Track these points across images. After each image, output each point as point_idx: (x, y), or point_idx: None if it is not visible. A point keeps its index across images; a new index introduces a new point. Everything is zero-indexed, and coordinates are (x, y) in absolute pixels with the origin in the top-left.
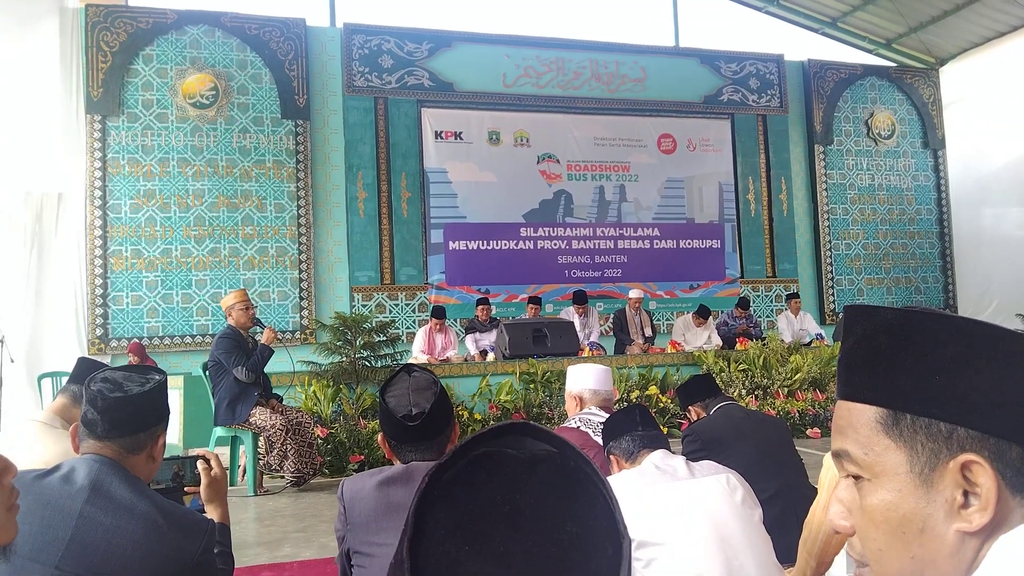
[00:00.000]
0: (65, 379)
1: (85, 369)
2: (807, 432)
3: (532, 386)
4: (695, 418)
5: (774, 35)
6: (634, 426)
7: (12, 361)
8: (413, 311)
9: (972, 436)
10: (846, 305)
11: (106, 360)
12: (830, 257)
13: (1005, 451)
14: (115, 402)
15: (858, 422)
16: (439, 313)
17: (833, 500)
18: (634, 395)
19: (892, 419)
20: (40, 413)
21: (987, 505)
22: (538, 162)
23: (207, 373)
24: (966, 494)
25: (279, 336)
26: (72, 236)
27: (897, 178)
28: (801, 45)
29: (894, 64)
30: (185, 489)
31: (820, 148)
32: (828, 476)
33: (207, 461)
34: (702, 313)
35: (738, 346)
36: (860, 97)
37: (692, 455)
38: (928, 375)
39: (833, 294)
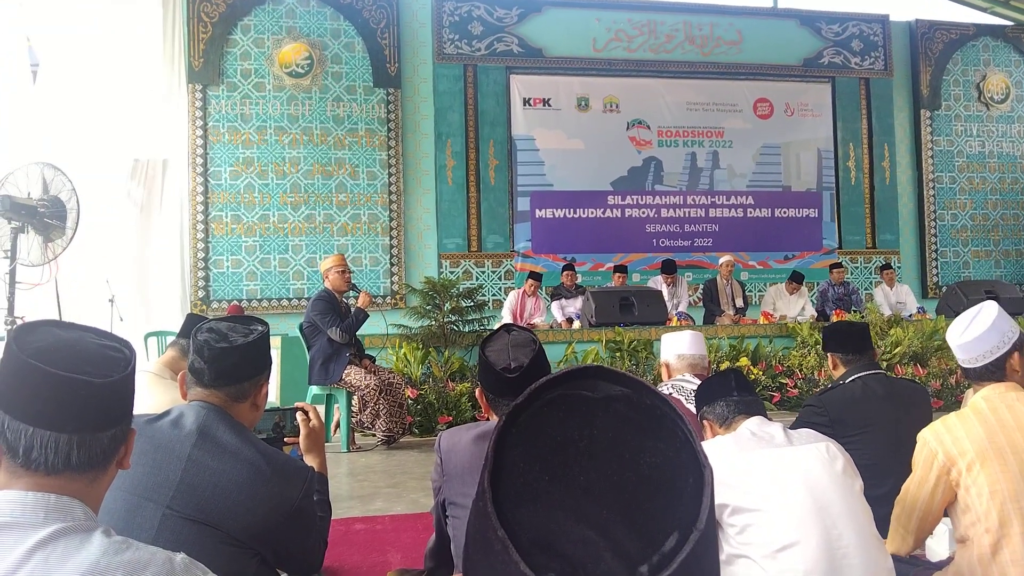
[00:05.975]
0: (170, 338)
1: (193, 324)
2: None
3: (618, 354)
4: (831, 367)
5: None
6: (729, 391)
7: (122, 320)
8: (499, 278)
9: None
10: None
11: None
12: (934, 228)
13: None
14: (221, 352)
15: None
16: (537, 276)
17: None
18: (723, 366)
19: None
20: (151, 364)
21: None
22: (627, 128)
23: (303, 333)
24: None
25: (374, 300)
26: (175, 202)
27: (1011, 145)
28: (908, 4)
29: (1011, 23)
30: (285, 439)
31: (927, 113)
32: (924, 454)
33: (306, 413)
34: (795, 278)
35: (833, 317)
36: (972, 59)
37: (813, 427)
38: None
39: (937, 267)
